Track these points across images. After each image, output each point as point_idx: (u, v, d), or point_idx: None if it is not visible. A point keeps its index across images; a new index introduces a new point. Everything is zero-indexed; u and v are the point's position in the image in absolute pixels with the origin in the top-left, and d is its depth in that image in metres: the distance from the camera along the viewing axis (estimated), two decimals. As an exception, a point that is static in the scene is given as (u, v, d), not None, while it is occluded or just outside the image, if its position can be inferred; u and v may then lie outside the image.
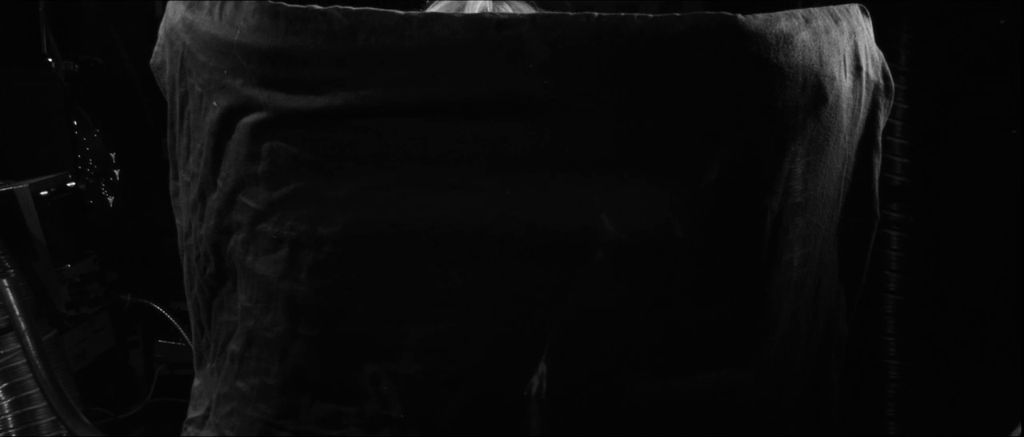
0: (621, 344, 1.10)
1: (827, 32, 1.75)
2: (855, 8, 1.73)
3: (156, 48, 1.43)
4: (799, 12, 1.81)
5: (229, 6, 1.28)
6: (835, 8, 1.74)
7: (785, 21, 1.70)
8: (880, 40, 1.74)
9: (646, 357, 1.13)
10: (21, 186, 1.54)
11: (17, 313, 1.26)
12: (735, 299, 1.35)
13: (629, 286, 1.10)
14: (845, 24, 1.70)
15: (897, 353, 1.68)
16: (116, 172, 1.27)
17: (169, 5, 1.40)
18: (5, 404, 1.60)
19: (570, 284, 1.12)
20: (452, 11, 1.38)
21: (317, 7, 1.21)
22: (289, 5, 1.23)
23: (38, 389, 1.75)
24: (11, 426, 1.42)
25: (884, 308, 1.69)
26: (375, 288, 1.17)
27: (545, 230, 1.22)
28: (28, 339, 1.38)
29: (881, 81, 1.73)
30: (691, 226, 1.29)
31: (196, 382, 1.43)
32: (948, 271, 1.73)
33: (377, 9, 1.22)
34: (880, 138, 1.72)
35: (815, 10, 1.78)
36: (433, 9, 1.49)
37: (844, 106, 1.72)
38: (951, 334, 1.73)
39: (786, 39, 1.78)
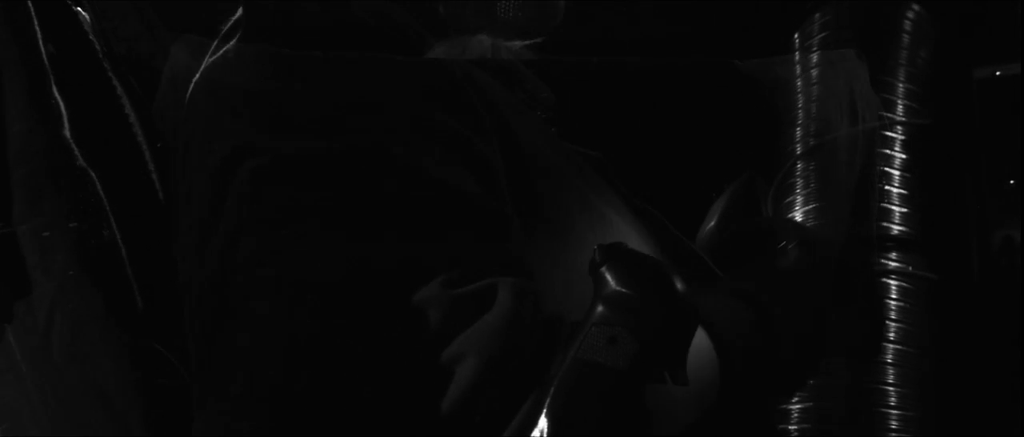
0: (624, 402, 1.09)
1: (823, 78, 1.76)
2: (851, 53, 1.74)
3: (158, 93, 1.44)
4: (795, 57, 1.82)
5: (231, 50, 1.28)
6: (831, 53, 1.75)
7: (781, 67, 1.71)
8: (877, 89, 1.75)
9: (647, 415, 1.13)
10: (21, 227, 1.55)
11: (17, 356, 1.27)
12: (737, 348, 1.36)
13: (633, 342, 1.10)
14: (841, 69, 1.71)
15: (897, 403, 1.68)
16: (113, 224, 1.27)
17: (172, 49, 1.41)
18: (4, 447, 1.59)
19: (573, 337, 1.12)
20: (453, 56, 1.39)
21: (319, 52, 1.22)
22: (291, 51, 1.24)
23: (37, 430, 1.75)
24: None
25: (883, 357, 1.69)
26: (379, 332, 1.17)
27: (549, 279, 1.23)
28: (28, 381, 1.38)
29: (877, 126, 1.73)
30: (694, 276, 1.29)
31: (195, 424, 1.42)
32: (948, 320, 1.73)
33: (379, 54, 1.23)
34: (877, 184, 1.72)
35: (811, 55, 1.79)
36: (434, 54, 1.49)
37: (841, 151, 1.73)
38: (951, 384, 1.73)
39: (782, 84, 1.80)
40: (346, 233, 1.12)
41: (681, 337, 1.15)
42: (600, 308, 1.13)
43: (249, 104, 1.21)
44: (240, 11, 1.30)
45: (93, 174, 1.04)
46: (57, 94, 1.03)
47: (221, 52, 1.27)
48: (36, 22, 1.03)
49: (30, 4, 1.03)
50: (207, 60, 1.28)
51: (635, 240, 1.32)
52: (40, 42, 1.03)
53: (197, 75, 1.28)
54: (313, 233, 1.14)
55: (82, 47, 1.13)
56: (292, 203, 1.15)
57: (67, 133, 1.03)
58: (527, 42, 1.43)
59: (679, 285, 1.15)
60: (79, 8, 1.22)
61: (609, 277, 1.15)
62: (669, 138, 2.26)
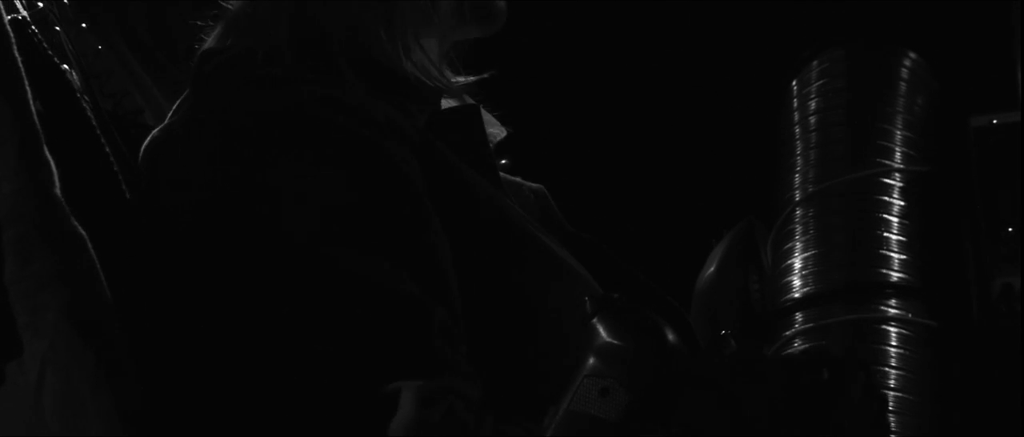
0: None
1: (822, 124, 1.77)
2: None
3: None
4: (793, 104, 1.84)
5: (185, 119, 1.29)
6: None
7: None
8: (874, 136, 1.75)
9: None
10: (12, 287, 1.54)
11: (9, 417, 1.26)
12: None
13: (625, 393, 1.09)
14: None
15: (898, 451, 1.67)
16: (104, 282, 1.27)
17: None
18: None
19: (565, 389, 1.12)
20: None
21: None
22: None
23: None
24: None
25: (884, 405, 1.67)
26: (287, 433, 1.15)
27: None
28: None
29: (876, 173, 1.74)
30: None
31: None
32: (948, 367, 1.73)
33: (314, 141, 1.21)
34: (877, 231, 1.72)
35: (809, 102, 1.80)
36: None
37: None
38: (952, 431, 1.72)
39: (781, 131, 1.81)
40: (258, 324, 1.09)
41: (674, 389, 1.15)
42: (591, 360, 1.13)
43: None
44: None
45: (83, 233, 1.04)
46: (47, 154, 1.03)
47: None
48: (25, 81, 1.03)
49: (20, 63, 1.03)
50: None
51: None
52: (30, 101, 1.03)
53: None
54: (227, 318, 1.11)
55: (70, 105, 1.13)
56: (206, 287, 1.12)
57: (58, 192, 1.03)
58: (478, 77, 1.42)
59: (671, 336, 1.15)
60: (66, 66, 1.23)
61: (600, 328, 1.15)
62: (670, 184, 2.27)
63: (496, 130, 1.45)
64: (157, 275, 1.14)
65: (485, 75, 1.44)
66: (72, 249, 1.03)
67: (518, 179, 1.48)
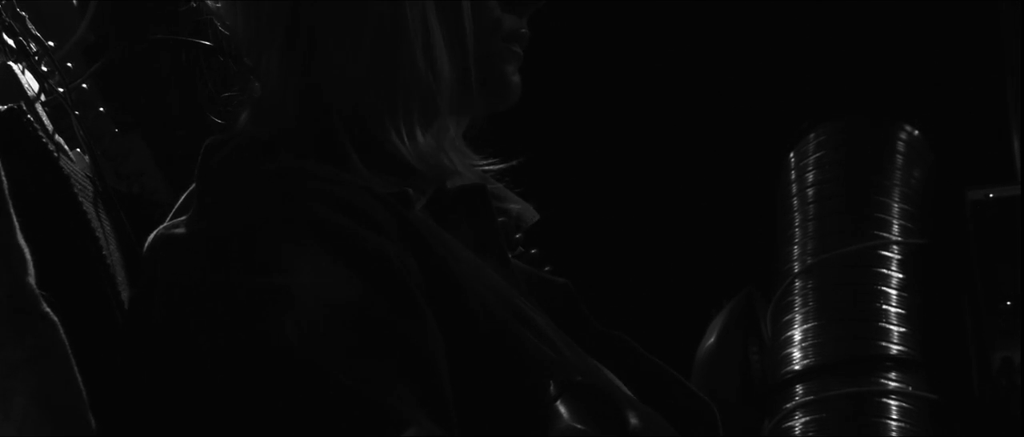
0: None
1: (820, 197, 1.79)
2: None
3: None
4: (791, 176, 1.85)
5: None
6: None
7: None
8: (871, 209, 1.76)
9: None
10: None
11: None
12: None
13: None
14: None
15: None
16: (74, 367, 1.29)
17: None
18: None
19: None
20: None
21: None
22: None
23: None
24: None
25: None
26: None
27: None
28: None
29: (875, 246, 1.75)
30: (673, 405, 1.27)
31: None
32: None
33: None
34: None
35: (807, 175, 1.81)
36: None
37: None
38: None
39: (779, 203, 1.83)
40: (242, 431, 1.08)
41: (636, 476, 1.15)
42: (554, 444, 1.13)
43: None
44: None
45: (55, 319, 1.06)
46: (21, 241, 1.05)
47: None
48: (2, 172, 1.05)
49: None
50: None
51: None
52: (5, 191, 1.05)
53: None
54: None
55: (59, 191, 1.15)
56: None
57: (30, 280, 1.05)
58: (502, 164, 1.39)
59: (634, 420, 1.15)
60: (78, 150, 1.25)
61: (563, 411, 1.15)
62: (669, 255, 2.28)
63: (528, 214, 1.41)
64: (143, 374, 1.14)
65: (512, 162, 1.38)
66: (44, 336, 1.04)
67: (547, 270, 1.44)
